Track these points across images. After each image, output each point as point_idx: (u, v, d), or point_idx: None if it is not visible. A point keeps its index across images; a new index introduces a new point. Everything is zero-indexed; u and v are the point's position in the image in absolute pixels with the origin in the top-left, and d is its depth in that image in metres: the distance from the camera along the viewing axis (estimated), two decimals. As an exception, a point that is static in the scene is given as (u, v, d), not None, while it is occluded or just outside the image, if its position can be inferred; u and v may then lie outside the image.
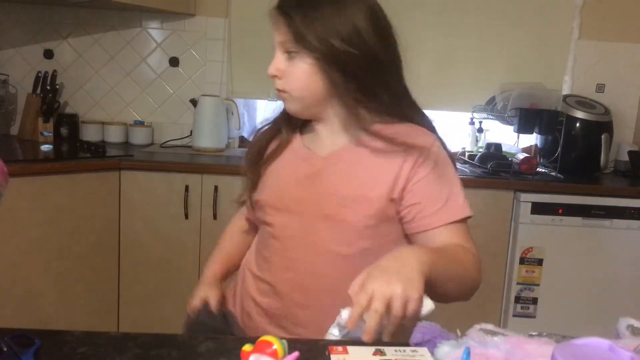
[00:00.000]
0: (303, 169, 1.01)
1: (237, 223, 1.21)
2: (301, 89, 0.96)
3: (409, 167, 0.93)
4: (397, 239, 0.98)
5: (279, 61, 0.97)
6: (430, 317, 0.81)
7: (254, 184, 1.06)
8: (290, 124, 1.07)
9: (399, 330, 0.76)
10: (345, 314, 0.77)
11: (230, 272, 1.18)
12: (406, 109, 0.99)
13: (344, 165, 0.97)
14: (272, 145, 1.08)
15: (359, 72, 0.94)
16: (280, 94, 0.99)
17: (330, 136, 1.01)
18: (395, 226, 0.97)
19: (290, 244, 1.01)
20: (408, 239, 0.99)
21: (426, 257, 0.81)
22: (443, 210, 0.93)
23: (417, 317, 0.76)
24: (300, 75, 0.95)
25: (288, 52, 0.95)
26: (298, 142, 1.06)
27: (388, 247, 0.88)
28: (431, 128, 1.02)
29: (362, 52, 0.93)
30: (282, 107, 1.04)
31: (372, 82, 0.95)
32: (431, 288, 0.80)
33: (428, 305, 0.78)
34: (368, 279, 0.75)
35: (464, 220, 0.95)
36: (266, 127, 1.11)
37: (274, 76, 0.97)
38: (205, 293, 1.11)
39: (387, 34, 0.98)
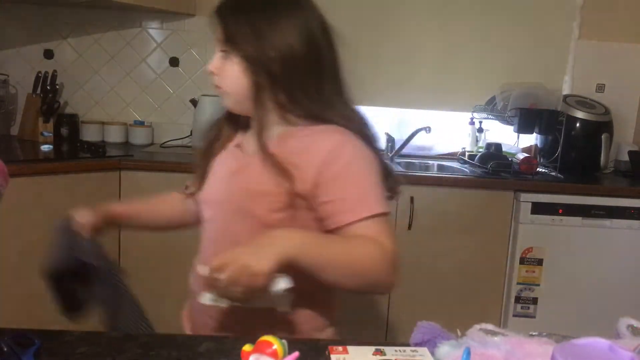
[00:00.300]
0: (230, 165, 1.06)
1: (180, 195, 1.24)
2: (231, 86, 1.02)
3: (320, 164, 0.95)
4: (309, 228, 1.00)
5: (216, 59, 1.03)
6: (430, 317, 0.81)
7: (200, 177, 1.10)
8: (233, 121, 1.11)
9: (251, 298, 0.84)
10: (201, 269, 0.85)
11: (129, 218, 1.21)
12: (331, 115, 1.01)
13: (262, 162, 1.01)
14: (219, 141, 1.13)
15: (282, 77, 0.98)
16: (216, 89, 1.04)
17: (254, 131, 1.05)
18: (307, 216, 0.99)
19: (214, 237, 1.06)
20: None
21: (299, 240, 0.88)
22: (355, 207, 0.94)
23: (265, 290, 0.83)
24: (231, 73, 1.00)
25: (223, 51, 1.01)
26: (237, 139, 1.10)
27: None
28: (352, 127, 1.02)
29: (287, 59, 0.97)
30: None
31: (295, 88, 1.00)
32: (310, 271, 0.87)
33: (280, 283, 0.84)
34: (234, 252, 0.83)
35: (381, 216, 0.96)
36: (216, 122, 1.15)
37: (211, 72, 1.03)
38: (82, 214, 1.12)
39: (319, 46, 1.01)
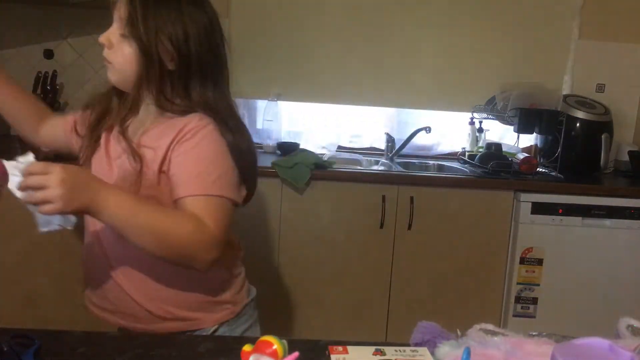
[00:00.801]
0: (116, 148, 1.09)
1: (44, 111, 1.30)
2: (122, 65, 1.04)
3: (175, 142, 1.02)
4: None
5: (112, 34, 1.05)
6: (430, 317, 0.81)
7: (87, 149, 1.14)
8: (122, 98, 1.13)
9: (28, 205, 0.87)
10: (26, 159, 0.88)
11: None
12: (202, 109, 1.05)
13: (143, 142, 1.05)
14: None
15: (173, 75, 1.03)
16: (105, 62, 1.06)
17: (142, 114, 1.09)
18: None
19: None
20: None
21: (111, 198, 0.90)
22: (190, 183, 1.00)
23: (48, 218, 0.88)
24: (123, 54, 1.03)
25: (122, 34, 1.03)
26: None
27: None
28: (226, 123, 1.06)
29: (183, 59, 1.02)
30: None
31: (182, 86, 1.04)
32: (113, 228, 0.93)
33: (68, 221, 0.89)
34: (59, 167, 0.85)
35: (218, 199, 1.00)
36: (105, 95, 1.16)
37: (102, 44, 1.05)
38: None
39: (217, 49, 1.07)
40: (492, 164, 2.33)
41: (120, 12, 1.04)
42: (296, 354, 0.65)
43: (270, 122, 2.58)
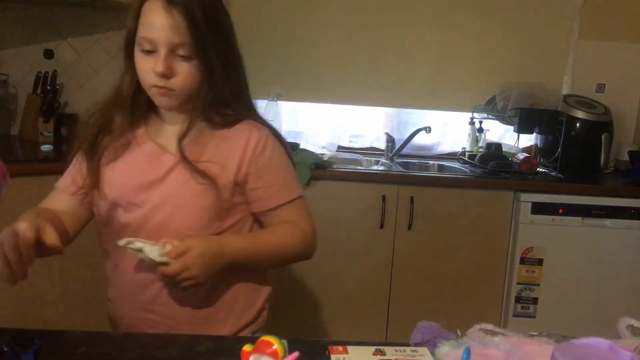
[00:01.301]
0: (157, 167, 1.06)
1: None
2: (186, 88, 1.03)
3: (248, 155, 1.07)
4: (242, 223, 1.11)
5: (171, 60, 1.00)
6: (430, 317, 0.81)
7: (94, 181, 1.10)
8: (125, 112, 1.12)
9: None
10: (165, 248, 0.94)
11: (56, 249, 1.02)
12: (245, 112, 1.12)
13: (193, 157, 1.04)
14: (109, 139, 1.10)
15: (226, 80, 1.07)
16: (161, 90, 1.02)
17: (178, 129, 1.07)
18: (241, 211, 1.10)
19: (145, 235, 1.01)
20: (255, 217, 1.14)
21: (236, 247, 1.03)
22: (279, 192, 1.10)
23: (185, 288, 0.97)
24: (185, 75, 1.01)
25: (181, 55, 1.00)
26: (140, 135, 1.10)
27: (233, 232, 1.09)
28: (264, 123, 1.14)
29: (230, 65, 1.07)
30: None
31: (230, 91, 1.09)
32: (244, 265, 1.06)
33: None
34: (193, 253, 0.95)
35: (300, 199, 1.12)
36: (97, 116, 1.15)
37: (163, 75, 1.00)
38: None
39: (239, 51, 1.12)
40: (492, 164, 2.33)
41: (177, 36, 0.98)
42: (296, 354, 0.65)
43: (270, 122, 2.58)
